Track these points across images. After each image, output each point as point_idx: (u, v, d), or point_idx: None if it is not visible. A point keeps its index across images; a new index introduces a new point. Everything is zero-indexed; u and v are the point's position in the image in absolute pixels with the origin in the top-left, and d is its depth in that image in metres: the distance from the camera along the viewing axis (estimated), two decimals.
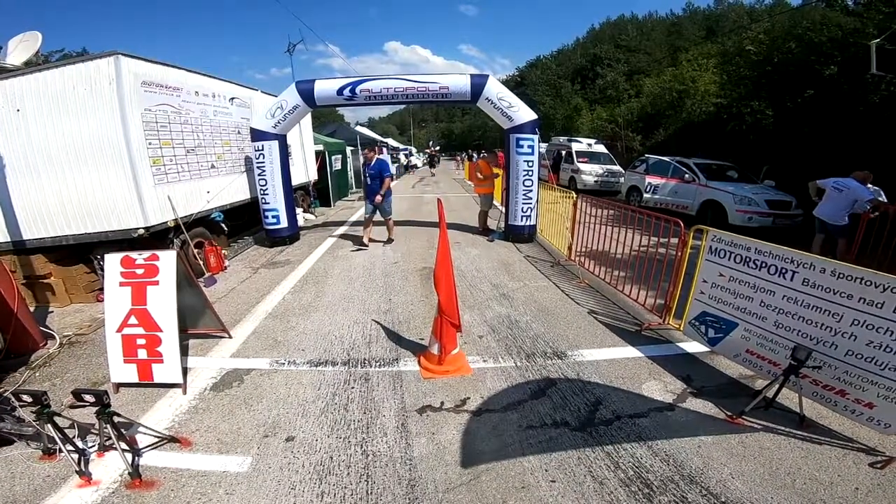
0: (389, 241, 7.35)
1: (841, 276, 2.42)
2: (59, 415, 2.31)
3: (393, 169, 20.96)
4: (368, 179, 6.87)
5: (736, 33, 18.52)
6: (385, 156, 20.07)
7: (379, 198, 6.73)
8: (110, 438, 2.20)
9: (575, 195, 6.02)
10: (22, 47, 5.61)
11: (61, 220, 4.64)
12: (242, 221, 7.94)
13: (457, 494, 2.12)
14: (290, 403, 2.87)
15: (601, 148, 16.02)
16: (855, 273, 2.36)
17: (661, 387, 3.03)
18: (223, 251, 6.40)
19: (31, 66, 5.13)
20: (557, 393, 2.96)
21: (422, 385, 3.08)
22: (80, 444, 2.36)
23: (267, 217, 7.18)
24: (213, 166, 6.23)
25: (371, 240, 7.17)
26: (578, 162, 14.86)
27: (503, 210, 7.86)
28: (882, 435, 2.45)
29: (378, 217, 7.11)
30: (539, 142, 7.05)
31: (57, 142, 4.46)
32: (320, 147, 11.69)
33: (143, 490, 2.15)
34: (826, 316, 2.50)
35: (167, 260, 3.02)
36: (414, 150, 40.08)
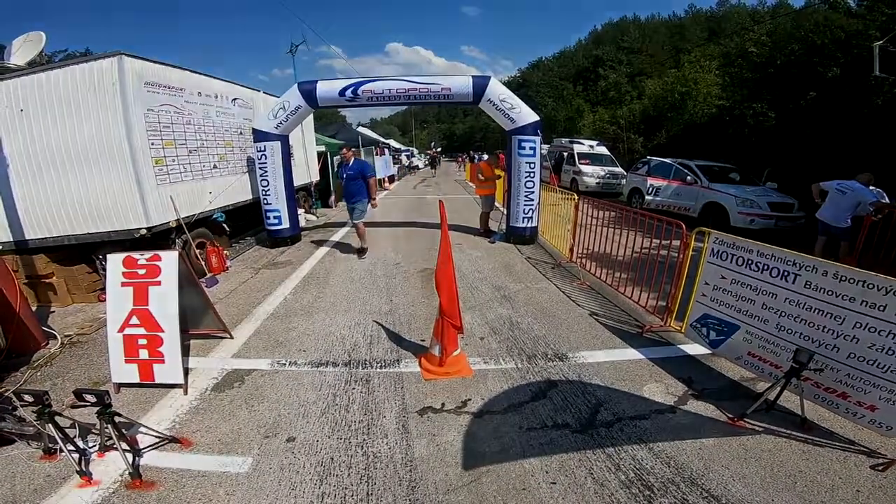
0: (362, 250, 6.58)
1: (843, 278, 2.42)
2: (60, 414, 2.32)
3: (394, 169, 21.09)
4: (347, 181, 6.22)
5: (738, 35, 18.50)
6: (387, 156, 20.16)
7: (376, 202, 6.41)
8: (111, 438, 2.20)
9: (576, 197, 6.02)
10: (26, 47, 5.63)
11: (64, 219, 4.66)
12: (244, 222, 7.95)
13: (457, 496, 2.12)
14: (291, 404, 2.87)
15: (603, 150, 16.03)
16: (857, 276, 2.36)
17: (662, 389, 3.02)
18: (225, 251, 6.41)
19: (34, 66, 5.15)
20: (558, 395, 2.96)
21: (423, 386, 3.08)
22: (80, 443, 2.36)
23: (269, 217, 7.19)
24: (215, 167, 6.25)
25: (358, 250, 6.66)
26: (580, 163, 14.85)
27: (504, 211, 7.87)
28: (883, 437, 2.44)
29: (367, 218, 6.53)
30: (541, 143, 7.05)
31: (60, 142, 4.48)
32: (322, 148, 11.69)
33: (143, 490, 2.15)
34: (828, 318, 2.50)
35: (169, 260, 3.02)
36: (416, 150, 40.12)
